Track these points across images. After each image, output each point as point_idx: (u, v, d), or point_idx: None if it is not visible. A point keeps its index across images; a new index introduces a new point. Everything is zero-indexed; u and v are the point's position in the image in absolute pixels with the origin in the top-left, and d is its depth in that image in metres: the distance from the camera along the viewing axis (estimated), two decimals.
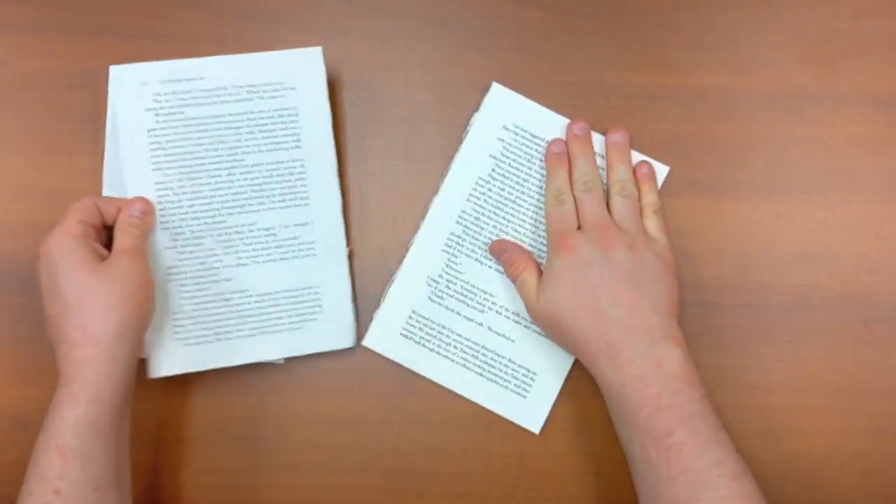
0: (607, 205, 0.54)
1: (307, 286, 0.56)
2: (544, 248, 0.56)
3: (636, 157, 0.57)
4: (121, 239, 0.52)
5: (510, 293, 0.56)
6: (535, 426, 0.56)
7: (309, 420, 0.56)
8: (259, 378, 0.57)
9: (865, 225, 0.57)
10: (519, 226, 0.57)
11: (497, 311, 0.56)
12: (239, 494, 0.56)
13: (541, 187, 0.57)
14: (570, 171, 0.55)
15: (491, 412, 0.56)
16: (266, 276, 0.55)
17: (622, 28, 0.58)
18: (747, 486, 0.46)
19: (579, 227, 0.53)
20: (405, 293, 0.56)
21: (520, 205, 0.57)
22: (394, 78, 0.59)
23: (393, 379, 0.56)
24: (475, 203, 0.57)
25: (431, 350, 0.56)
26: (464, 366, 0.56)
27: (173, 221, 0.55)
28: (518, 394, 0.56)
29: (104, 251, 0.51)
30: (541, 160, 0.57)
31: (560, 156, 0.56)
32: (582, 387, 0.56)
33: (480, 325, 0.56)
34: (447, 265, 0.57)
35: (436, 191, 0.57)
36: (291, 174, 0.56)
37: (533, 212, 0.57)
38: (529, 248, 0.56)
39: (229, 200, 0.55)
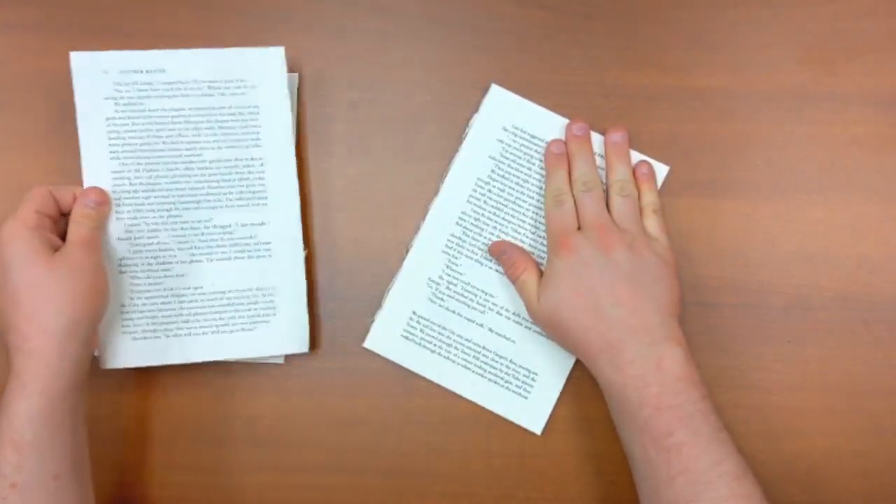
0: (607, 205, 0.54)
1: (261, 287, 0.55)
2: (544, 249, 0.56)
3: (636, 156, 0.57)
4: (74, 230, 0.51)
5: (510, 294, 0.56)
6: (537, 427, 0.56)
7: (309, 420, 0.56)
8: (259, 378, 0.57)
9: (865, 225, 0.57)
10: (519, 226, 0.57)
11: (497, 312, 0.56)
12: (239, 494, 0.56)
13: (540, 188, 0.57)
14: (570, 171, 0.55)
15: (491, 412, 0.56)
16: (220, 274, 0.55)
17: (622, 28, 0.58)
18: (748, 486, 0.46)
19: (579, 228, 0.53)
20: (406, 294, 0.56)
21: (519, 206, 0.57)
22: (394, 78, 0.58)
23: (393, 379, 0.56)
24: (475, 204, 0.57)
25: (432, 351, 0.56)
26: (465, 367, 0.56)
27: (128, 212, 0.54)
28: (519, 394, 0.56)
29: (58, 241, 0.51)
30: (540, 161, 0.57)
31: (559, 156, 0.56)
32: (583, 387, 0.56)
33: (481, 325, 0.56)
34: (447, 266, 0.57)
35: (436, 191, 0.57)
36: (250, 172, 0.55)
37: (533, 213, 0.57)
38: (529, 249, 0.56)
39: (186, 195, 0.55)
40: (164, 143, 0.55)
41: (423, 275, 0.57)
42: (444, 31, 0.59)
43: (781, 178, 0.57)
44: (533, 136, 0.57)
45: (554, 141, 0.56)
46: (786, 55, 0.58)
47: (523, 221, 0.57)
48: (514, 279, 0.55)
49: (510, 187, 0.57)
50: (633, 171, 0.56)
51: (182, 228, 0.55)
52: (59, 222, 0.53)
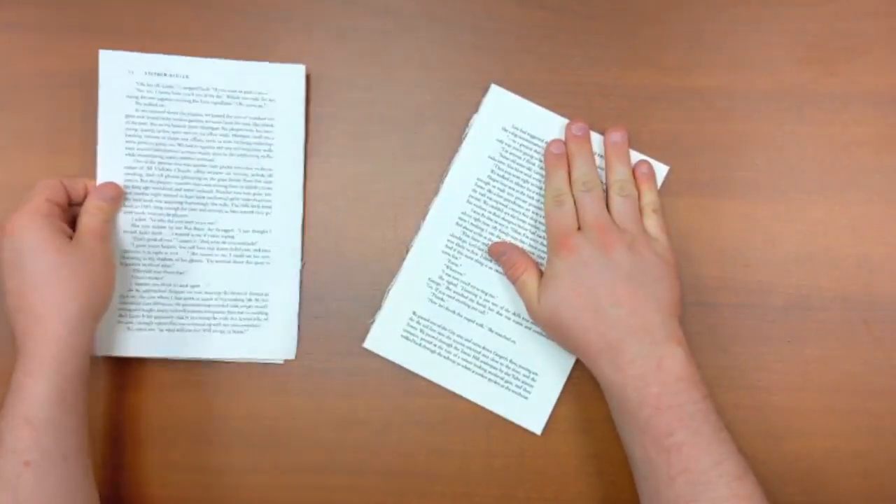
0: (607, 205, 0.54)
1: (256, 292, 0.57)
2: (544, 249, 0.56)
3: (635, 156, 0.57)
4: (87, 221, 0.53)
5: (510, 294, 0.56)
6: (537, 427, 0.56)
7: (309, 420, 0.56)
8: (259, 378, 0.57)
9: (865, 225, 0.57)
10: (519, 227, 0.57)
11: (498, 312, 0.56)
12: (239, 494, 0.56)
13: (540, 188, 0.57)
14: (570, 171, 0.55)
15: (491, 412, 0.56)
16: (218, 275, 0.56)
17: (622, 28, 0.58)
18: (749, 486, 0.46)
19: (579, 228, 0.53)
20: (406, 295, 0.56)
21: (519, 206, 0.57)
22: (394, 78, 0.58)
23: (394, 380, 0.56)
24: (475, 205, 0.57)
25: (432, 351, 0.56)
26: (465, 367, 0.56)
27: (136, 207, 0.56)
28: (519, 394, 0.56)
29: (69, 230, 0.52)
30: (540, 161, 0.57)
31: (559, 156, 0.56)
32: (583, 387, 0.56)
33: (481, 326, 0.56)
34: (447, 266, 0.57)
35: (436, 191, 0.57)
36: (258, 182, 0.57)
37: (533, 213, 0.57)
38: (529, 250, 0.56)
39: (194, 196, 0.56)
40: (178, 144, 0.56)
41: (424, 275, 0.57)
42: (444, 31, 0.59)
43: (781, 178, 0.57)
44: (533, 137, 0.57)
45: (554, 141, 0.56)
46: (786, 55, 0.58)
47: (523, 221, 0.57)
48: (514, 280, 0.55)
49: (510, 187, 0.57)
50: (633, 171, 0.56)
51: (186, 228, 0.56)
52: (68, 213, 0.54)
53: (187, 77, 0.57)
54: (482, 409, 0.56)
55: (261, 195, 0.57)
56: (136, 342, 0.56)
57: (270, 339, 0.56)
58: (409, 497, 0.56)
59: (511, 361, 0.56)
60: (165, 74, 0.57)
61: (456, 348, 0.56)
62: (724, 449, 0.47)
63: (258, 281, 0.57)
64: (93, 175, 0.56)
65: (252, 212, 0.57)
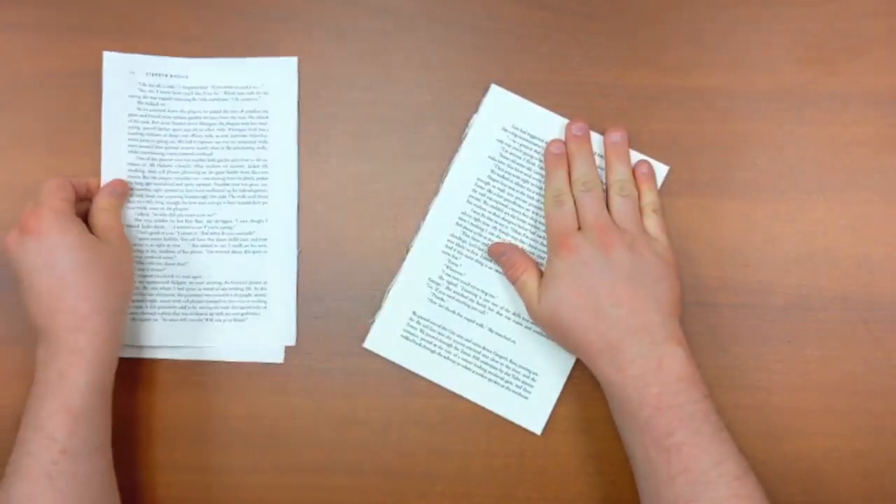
0: (607, 205, 0.54)
1: (255, 280, 0.58)
2: (544, 249, 0.56)
3: (635, 156, 0.57)
4: (105, 218, 0.54)
5: (510, 294, 0.56)
6: (537, 427, 0.56)
7: (309, 420, 0.56)
8: (259, 378, 0.57)
9: (865, 225, 0.57)
10: (519, 227, 0.57)
11: (498, 312, 0.56)
12: (239, 494, 0.56)
13: (540, 188, 0.57)
14: (570, 171, 0.55)
15: (491, 412, 0.56)
16: (218, 265, 0.58)
17: (622, 28, 0.58)
18: (749, 486, 0.46)
19: (579, 228, 0.53)
20: (406, 295, 0.56)
21: (519, 206, 0.57)
22: (394, 78, 0.58)
23: (393, 380, 0.56)
24: (475, 205, 0.57)
25: (432, 351, 0.56)
26: (465, 367, 0.56)
27: (139, 202, 0.58)
28: (519, 394, 0.56)
29: (84, 225, 0.53)
30: (540, 161, 0.57)
31: (559, 156, 0.56)
32: (583, 387, 0.56)
33: (481, 326, 0.56)
34: (447, 266, 0.57)
35: (436, 191, 0.57)
36: (255, 172, 0.58)
37: (533, 213, 0.57)
38: (529, 250, 0.56)
39: (194, 190, 0.58)
40: (178, 141, 0.58)
41: (424, 275, 0.57)
42: (444, 31, 0.59)
43: (781, 178, 0.57)
44: (533, 137, 0.57)
45: (553, 141, 0.56)
46: (786, 55, 0.58)
47: (523, 222, 0.57)
48: (513, 280, 0.55)
49: (510, 187, 0.57)
50: (633, 171, 0.56)
51: (187, 221, 0.58)
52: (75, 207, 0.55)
53: (187, 77, 0.58)
54: (482, 409, 0.56)
55: (257, 185, 0.58)
56: (141, 333, 0.57)
57: (270, 326, 0.57)
58: (409, 497, 0.56)
59: (511, 361, 0.56)
60: (167, 75, 0.58)
61: (456, 348, 0.56)
62: (725, 449, 0.47)
63: (257, 269, 0.57)
64: (94, 173, 0.57)
65: (249, 202, 0.58)
